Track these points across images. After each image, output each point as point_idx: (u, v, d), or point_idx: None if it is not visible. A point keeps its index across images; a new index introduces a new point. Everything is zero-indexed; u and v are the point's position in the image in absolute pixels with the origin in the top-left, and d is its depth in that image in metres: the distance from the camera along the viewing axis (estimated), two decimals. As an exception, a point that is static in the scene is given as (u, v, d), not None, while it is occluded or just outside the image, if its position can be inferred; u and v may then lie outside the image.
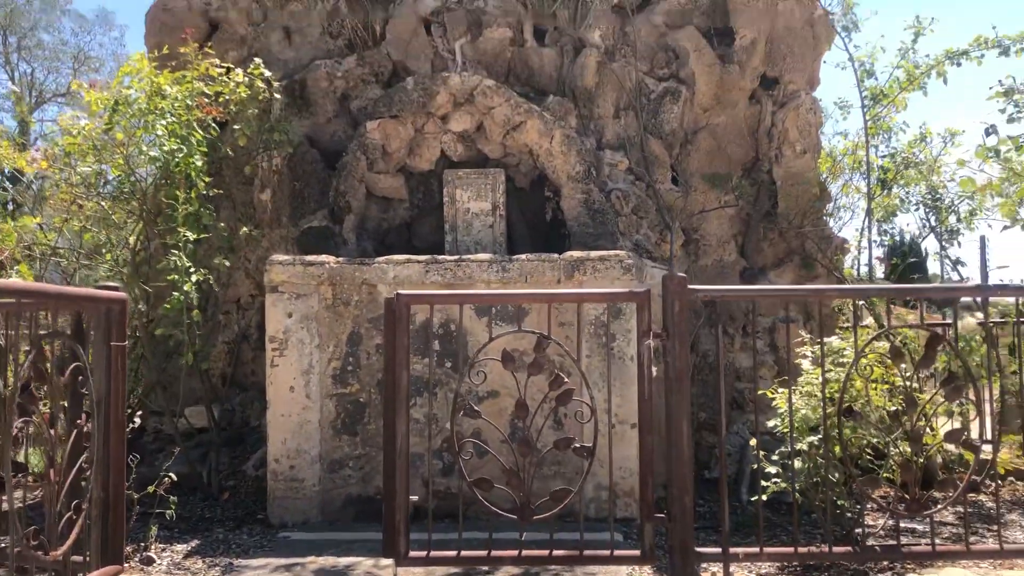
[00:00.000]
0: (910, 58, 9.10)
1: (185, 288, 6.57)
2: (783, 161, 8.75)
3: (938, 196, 9.45)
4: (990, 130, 6.17)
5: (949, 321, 5.44)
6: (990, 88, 6.16)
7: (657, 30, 8.87)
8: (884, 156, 10.17)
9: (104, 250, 7.37)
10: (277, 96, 8.21)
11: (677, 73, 8.81)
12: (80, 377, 4.21)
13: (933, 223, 9.53)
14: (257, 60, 7.94)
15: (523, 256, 6.77)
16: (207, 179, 7.14)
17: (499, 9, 8.73)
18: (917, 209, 9.67)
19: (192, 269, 6.70)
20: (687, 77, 8.76)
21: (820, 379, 4.65)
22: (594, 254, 6.70)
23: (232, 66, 7.81)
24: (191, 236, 6.80)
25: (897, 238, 16.60)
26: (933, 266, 16.29)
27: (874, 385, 4.94)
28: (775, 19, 8.88)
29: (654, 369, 4.36)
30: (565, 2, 8.76)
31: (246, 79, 7.64)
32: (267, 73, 7.91)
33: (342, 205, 8.19)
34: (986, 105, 6.39)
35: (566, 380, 4.49)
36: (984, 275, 10.53)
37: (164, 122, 6.90)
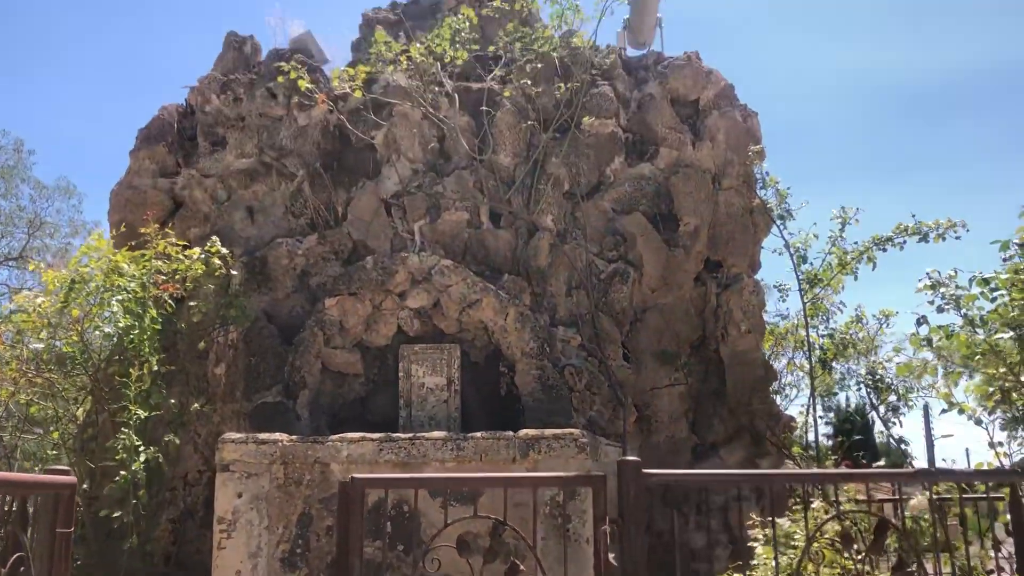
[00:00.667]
0: (840, 244, 9.76)
1: (133, 467, 6.45)
2: (729, 340, 9.08)
3: (878, 376, 9.85)
4: (921, 320, 6.61)
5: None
6: (919, 280, 6.65)
7: (606, 215, 9.36)
8: (824, 336, 10.67)
9: (51, 426, 7.23)
10: (235, 272, 8.40)
11: (626, 255, 9.24)
12: (22, 568, 4.06)
13: (875, 401, 9.88)
14: (214, 238, 8.18)
15: (478, 434, 6.81)
16: (160, 355, 7.16)
17: (457, 193, 9.17)
18: (859, 388, 10.04)
19: (141, 447, 6.61)
20: (635, 259, 9.18)
21: (773, 562, 4.68)
22: (549, 432, 6.77)
23: (189, 244, 8.04)
24: (142, 414, 6.74)
25: (844, 410, 16.97)
26: (881, 437, 16.58)
27: (827, 570, 4.98)
28: (716, 207, 9.46)
29: (611, 555, 4.36)
30: (519, 188, 9.27)
31: (203, 256, 7.84)
32: (224, 251, 8.14)
33: (297, 380, 8.22)
34: (917, 285, 6.86)
35: (521, 568, 4.45)
36: (930, 444, 10.80)
37: (120, 299, 7.01)
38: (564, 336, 8.73)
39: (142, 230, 7.95)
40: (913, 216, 9.49)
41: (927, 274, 6.65)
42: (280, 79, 9.42)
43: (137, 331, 6.88)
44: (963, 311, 6.35)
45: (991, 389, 6.19)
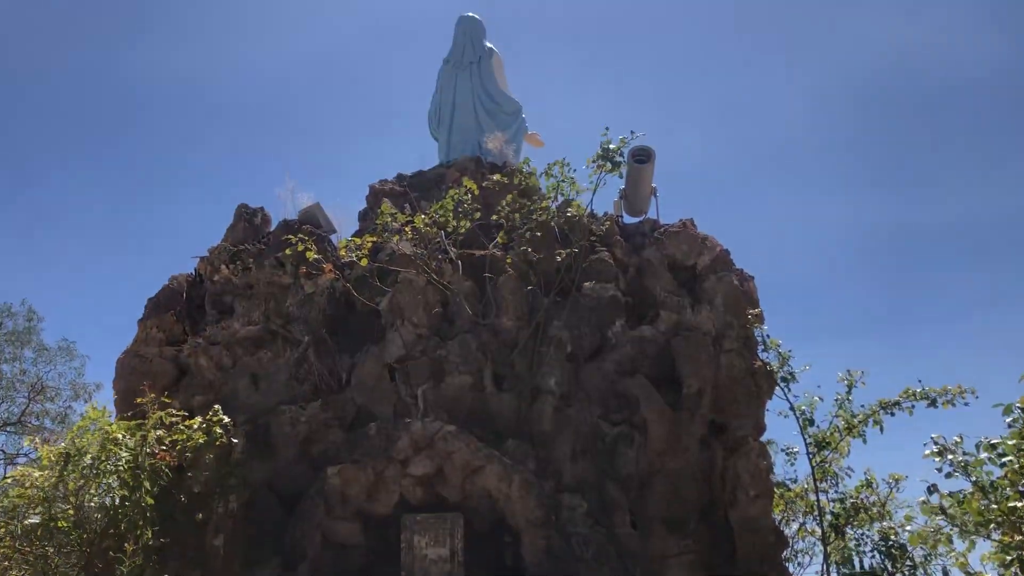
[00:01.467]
0: (847, 407, 9.72)
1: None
2: (738, 506, 8.85)
3: (891, 541, 9.59)
4: (931, 488, 6.52)
5: None
6: (924, 445, 6.64)
7: (608, 377, 9.35)
8: (834, 500, 10.44)
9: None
10: (236, 440, 8.37)
11: (630, 418, 9.16)
12: None
13: (891, 568, 9.55)
14: (217, 407, 8.21)
15: (483, 611, 6.57)
16: (156, 527, 7.03)
17: (460, 358, 9.22)
18: (872, 555, 9.74)
19: (133, 626, 6.37)
20: (640, 422, 9.09)
21: None
22: (556, 608, 6.53)
23: (191, 413, 8.05)
24: (136, 591, 6.55)
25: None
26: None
27: None
28: (718, 370, 9.47)
29: None
30: (522, 351, 9.34)
31: (204, 425, 7.86)
32: (226, 420, 8.16)
33: (297, 553, 8.01)
34: (924, 452, 6.83)
35: None
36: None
37: (116, 468, 6.96)
38: (571, 503, 8.52)
39: (139, 400, 8.00)
40: (920, 382, 9.47)
41: (933, 440, 6.62)
42: (288, 250, 9.71)
43: (130, 503, 6.77)
44: (972, 477, 6.28)
45: (1008, 558, 6.03)
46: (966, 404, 8.77)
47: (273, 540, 8.23)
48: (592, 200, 10.27)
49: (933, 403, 8.86)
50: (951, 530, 6.92)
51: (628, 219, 11.30)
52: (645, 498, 8.87)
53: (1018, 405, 6.28)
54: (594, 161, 9.74)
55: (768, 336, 9.69)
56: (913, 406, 9.01)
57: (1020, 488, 5.90)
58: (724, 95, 34.33)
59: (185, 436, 7.79)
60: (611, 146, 9.67)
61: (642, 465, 8.98)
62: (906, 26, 30.95)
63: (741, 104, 34.41)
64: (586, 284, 9.62)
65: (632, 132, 9.77)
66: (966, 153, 32.40)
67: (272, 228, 11.19)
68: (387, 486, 8.52)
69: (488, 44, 13.24)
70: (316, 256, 9.49)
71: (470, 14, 13.49)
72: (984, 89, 31.20)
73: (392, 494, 8.52)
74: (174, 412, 7.94)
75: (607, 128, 9.62)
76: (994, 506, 6.10)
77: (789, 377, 9.28)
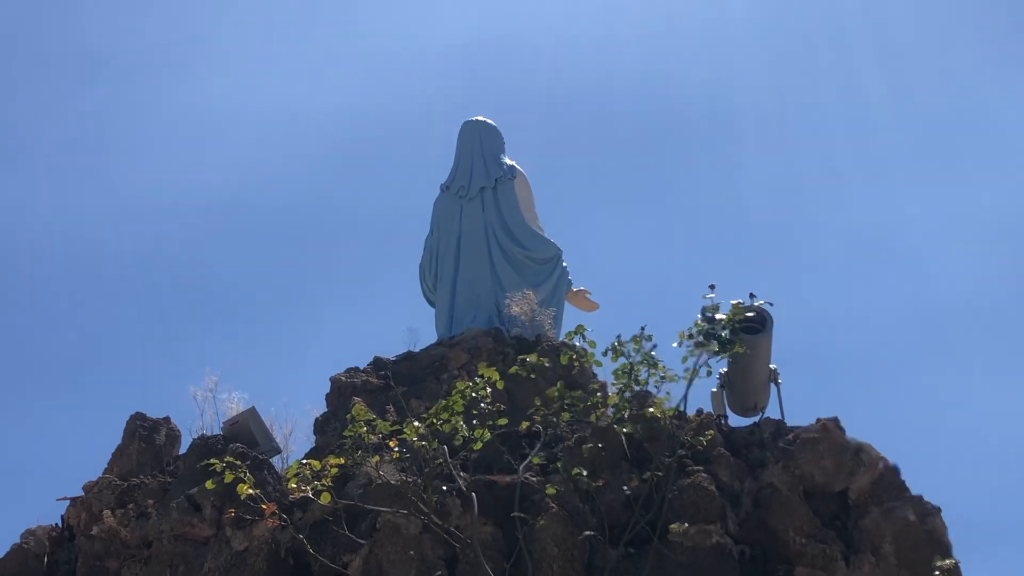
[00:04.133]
0: None
1: None
2: None
3: None
4: None
5: None
6: None
7: None
8: None
9: None
10: None
11: None
12: None
13: None
14: None
15: None
16: None
17: None
18: None
19: None
20: None
21: None
22: None
23: None
24: None
25: None
26: None
27: None
28: None
29: None
30: None
31: None
32: None
33: None
34: None
35: None
36: None
37: None
38: None
39: None
40: None
41: None
42: (208, 484, 9.59)
43: None
44: None
45: None
46: None
47: None
48: (686, 398, 10.28)
49: None
50: None
51: (735, 419, 11.32)
52: None
53: None
54: (690, 337, 9.85)
55: (973, 604, 9.28)
56: None
57: None
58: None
59: None
60: (718, 315, 9.80)
61: None
62: None
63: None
64: (674, 527, 9.43)
65: (751, 295, 9.96)
66: None
67: (184, 448, 11.22)
68: None
69: (508, 160, 13.55)
70: (251, 492, 9.36)
71: (479, 118, 13.91)
72: None
73: None
74: None
75: (712, 286, 9.78)
76: None
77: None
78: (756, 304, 10.01)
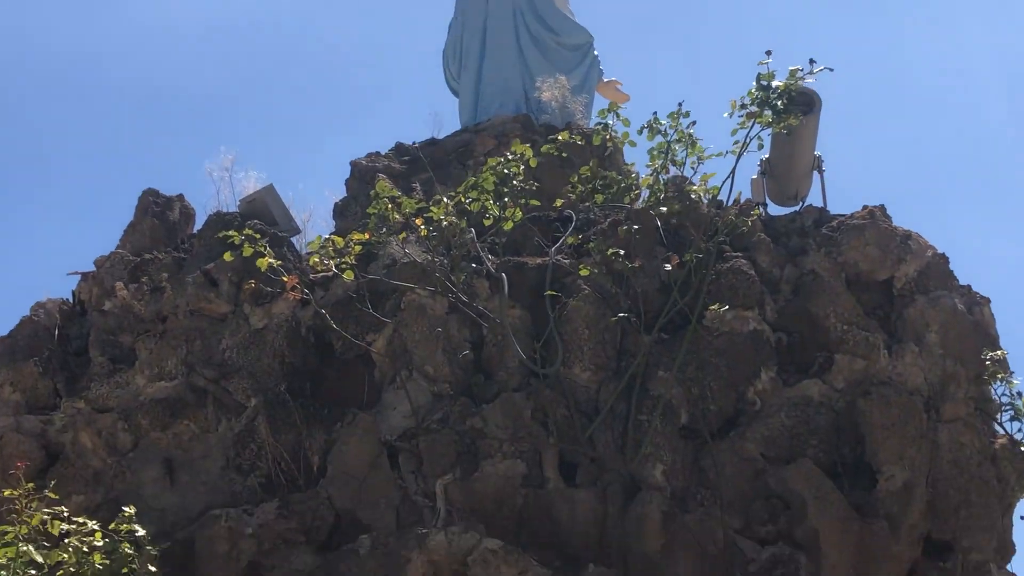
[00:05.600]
0: None
1: None
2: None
3: None
4: None
5: None
6: None
7: (753, 466, 9.14)
8: None
9: None
10: (153, 568, 8.15)
11: (790, 532, 8.93)
12: None
13: None
14: (128, 511, 8.07)
15: None
16: None
17: (505, 431, 9.02)
18: None
19: None
20: (806, 538, 8.83)
21: None
22: None
23: (84, 521, 7.91)
24: None
25: None
26: None
27: None
28: (936, 452, 9.27)
29: None
30: (607, 421, 9.13)
31: (105, 541, 7.80)
32: (140, 532, 8.04)
33: None
34: None
35: None
36: None
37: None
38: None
39: (6, 493, 7.95)
40: None
41: None
42: (226, 256, 9.49)
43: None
44: None
45: None
46: None
47: None
48: (733, 177, 10.03)
49: None
50: None
51: (776, 208, 11.25)
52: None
53: None
54: (743, 107, 9.61)
55: (1020, 395, 9.49)
56: None
57: None
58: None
59: (73, 560, 7.65)
60: (774, 83, 9.49)
61: (812, 610, 8.75)
62: None
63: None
64: (711, 311, 9.37)
65: (811, 61, 9.62)
66: None
67: (198, 227, 11.18)
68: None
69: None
70: (272, 262, 9.24)
71: None
72: None
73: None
74: (64, 515, 7.93)
75: (768, 52, 9.46)
76: None
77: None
78: (816, 69, 9.79)
